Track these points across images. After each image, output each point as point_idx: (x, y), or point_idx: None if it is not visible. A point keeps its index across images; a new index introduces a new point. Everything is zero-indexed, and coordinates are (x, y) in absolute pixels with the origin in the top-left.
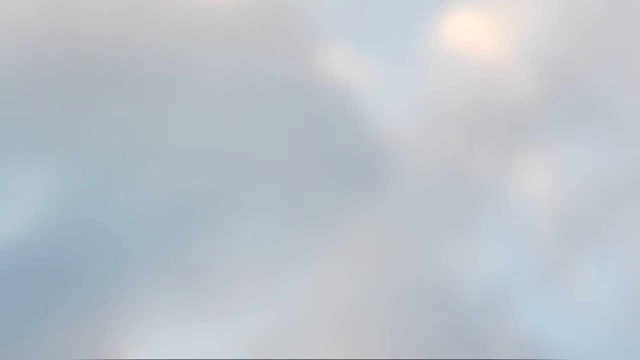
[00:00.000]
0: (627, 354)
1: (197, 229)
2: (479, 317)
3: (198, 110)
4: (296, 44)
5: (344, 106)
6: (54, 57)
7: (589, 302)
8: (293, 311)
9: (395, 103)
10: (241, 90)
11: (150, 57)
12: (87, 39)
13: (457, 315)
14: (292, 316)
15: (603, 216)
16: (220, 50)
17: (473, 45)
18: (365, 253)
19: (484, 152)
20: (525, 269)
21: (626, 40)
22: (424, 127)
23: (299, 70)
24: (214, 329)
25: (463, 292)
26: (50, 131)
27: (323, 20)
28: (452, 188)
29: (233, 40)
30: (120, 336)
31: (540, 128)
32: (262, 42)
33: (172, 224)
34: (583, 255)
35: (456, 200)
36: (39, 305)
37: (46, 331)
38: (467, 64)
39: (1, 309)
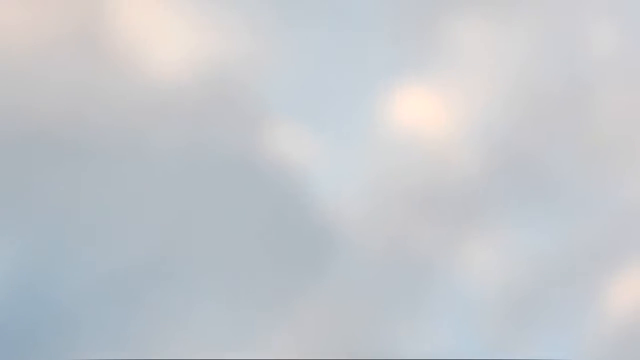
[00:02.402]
0: None
1: (140, 306)
2: None
3: (145, 186)
4: (243, 121)
5: (292, 185)
6: (2, 131)
7: None
8: None
9: (343, 182)
10: (188, 167)
11: (99, 132)
12: (37, 114)
13: None
14: None
15: (549, 298)
16: (167, 127)
17: (420, 125)
18: (312, 334)
19: (431, 233)
20: (471, 349)
21: (574, 121)
22: (371, 206)
23: (245, 149)
24: None
25: None
26: None
27: (270, 98)
28: (399, 269)
29: (180, 116)
30: None
31: (487, 208)
32: (209, 119)
33: (114, 300)
34: (529, 337)
35: (403, 281)
36: None
37: None
38: (415, 143)
39: None
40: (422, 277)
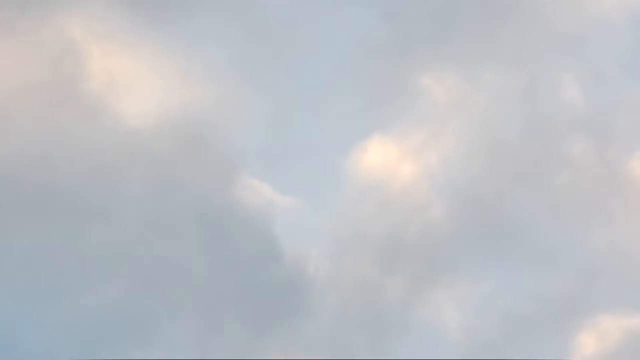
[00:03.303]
0: None
1: (108, 356)
2: None
3: (114, 236)
4: (213, 173)
5: (261, 235)
6: None
7: None
8: None
9: (311, 233)
10: (159, 216)
11: (71, 180)
12: (7, 159)
13: None
14: None
15: (512, 346)
16: (140, 175)
17: (386, 178)
18: None
19: (397, 284)
20: None
21: (539, 172)
22: (339, 256)
23: (217, 199)
24: None
25: None
26: None
27: (242, 151)
28: (366, 315)
29: (153, 165)
30: None
31: (452, 259)
32: (181, 168)
33: (83, 350)
34: None
35: (369, 327)
36: None
37: None
38: (381, 197)
39: None
40: (389, 326)
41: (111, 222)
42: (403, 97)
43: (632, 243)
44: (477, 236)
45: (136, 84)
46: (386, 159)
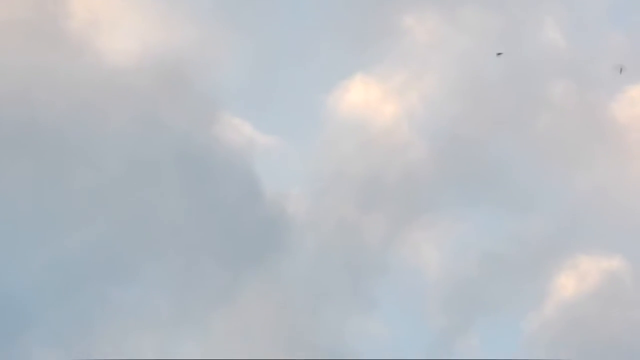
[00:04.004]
0: None
1: (90, 295)
2: None
3: (96, 175)
4: (196, 112)
5: (242, 174)
6: None
7: None
8: None
9: (292, 172)
10: (139, 154)
11: (52, 118)
12: None
13: None
14: None
15: (494, 285)
16: (121, 114)
17: (367, 118)
18: (258, 318)
19: (377, 220)
20: (414, 333)
21: (521, 113)
22: (319, 195)
23: (198, 138)
24: None
25: (355, 355)
26: None
27: (224, 91)
28: (346, 255)
29: (134, 104)
30: None
31: (430, 199)
32: (163, 107)
33: (65, 290)
34: (469, 322)
35: (349, 267)
36: None
37: None
38: (362, 135)
39: None
40: (369, 266)
41: (92, 161)
42: (385, 37)
43: (612, 185)
44: (457, 177)
45: (118, 22)
46: (368, 99)
